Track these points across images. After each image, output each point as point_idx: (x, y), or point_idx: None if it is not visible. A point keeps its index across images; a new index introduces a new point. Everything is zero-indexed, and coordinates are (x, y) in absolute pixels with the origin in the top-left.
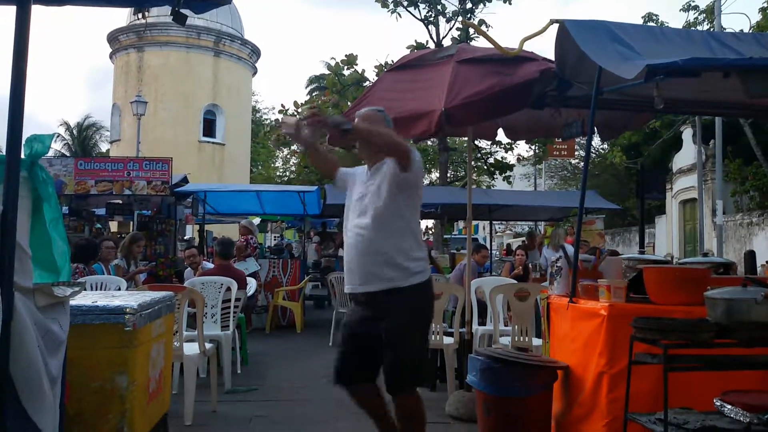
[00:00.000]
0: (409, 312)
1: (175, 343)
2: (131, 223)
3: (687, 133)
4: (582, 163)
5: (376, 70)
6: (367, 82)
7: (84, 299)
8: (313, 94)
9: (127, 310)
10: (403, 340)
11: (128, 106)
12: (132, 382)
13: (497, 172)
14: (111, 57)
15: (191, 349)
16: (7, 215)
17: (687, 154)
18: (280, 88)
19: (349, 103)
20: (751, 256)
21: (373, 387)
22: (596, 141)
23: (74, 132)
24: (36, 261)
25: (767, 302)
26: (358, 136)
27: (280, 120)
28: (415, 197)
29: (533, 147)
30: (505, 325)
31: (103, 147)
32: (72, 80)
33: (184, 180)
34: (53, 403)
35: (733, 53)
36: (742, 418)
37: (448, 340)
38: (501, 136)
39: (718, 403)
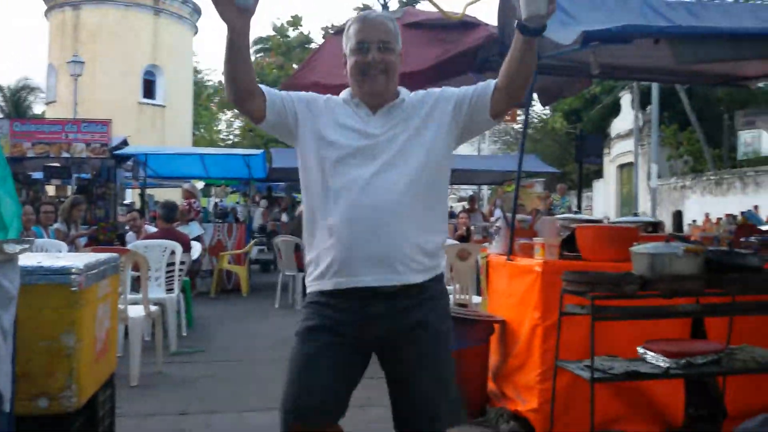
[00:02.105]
0: (447, 312)
1: (120, 306)
2: (69, 186)
3: (625, 99)
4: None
5: (323, 32)
6: (314, 44)
7: (29, 260)
8: (258, 56)
9: (73, 270)
10: (447, 353)
11: (65, 67)
12: (79, 341)
13: None
14: (46, 15)
15: (136, 311)
16: None
17: (625, 120)
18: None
19: (294, 66)
20: (678, 215)
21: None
22: (538, 107)
23: (7, 93)
24: None
25: (688, 256)
26: (534, 45)
27: None
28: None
29: None
30: (448, 285)
31: (38, 109)
32: (3, 39)
33: (124, 143)
34: (6, 357)
35: (664, 21)
36: (662, 364)
37: None
38: None
39: (641, 351)
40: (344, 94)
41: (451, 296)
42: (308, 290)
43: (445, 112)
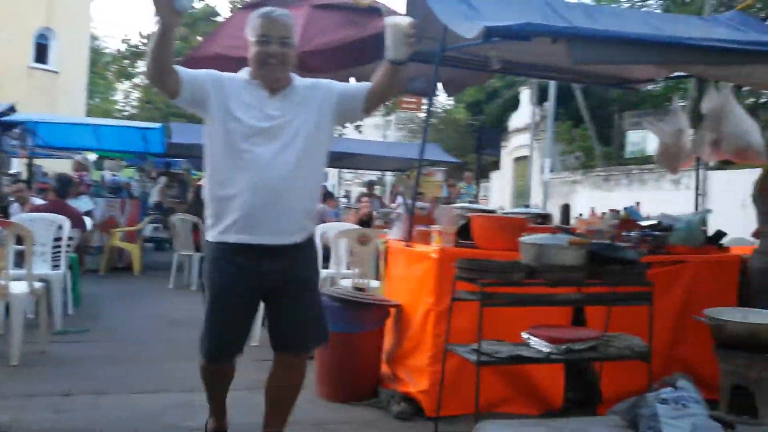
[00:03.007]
0: (316, 262)
1: (1, 281)
2: None
3: (525, 94)
4: None
5: (231, 6)
6: (219, 18)
7: None
8: None
9: None
10: (317, 292)
11: None
12: None
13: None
14: None
15: (19, 287)
16: None
17: (523, 114)
18: (123, 16)
19: (198, 38)
20: (566, 208)
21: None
22: (443, 97)
23: None
24: None
25: (572, 248)
26: (399, 73)
27: None
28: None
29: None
30: (348, 269)
31: None
32: None
33: (11, 109)
34: None
35: (563, 21)
36: (544, 349)
37: None
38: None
39: (525, 336)
40: (244, 74)
41: (350, 281)
42: (208, 239)
43: (330, 104)
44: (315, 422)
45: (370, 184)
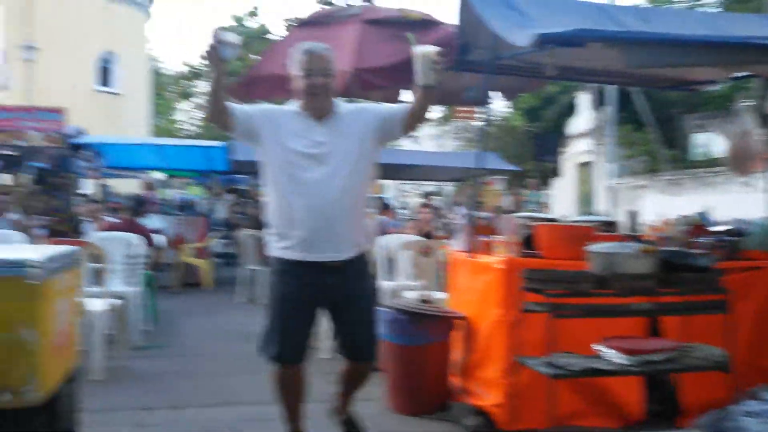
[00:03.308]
0: (370, 274)
1: (81, 299)
2: (25, 176)
3: (583, 99)
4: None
5: (286, 24)
6: (272, 35)
7: None
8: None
9: (32, 263)
10: (373, 301)
11: (16, 52)
12: (39, 336)
13: None
14: None
15: (97, 305)
16: None
17: (583, 119)
18: (180, 37)
19: (252, 57)
20: (633, 215)
21: (305, 367)
22: (499, 105)
23: None
24: None
25: (642, 256)
26: (433, 95)
27: (219, 32)
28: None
29: (439, 108)
30: (411, 281)
31: None
32: None
33: (80, 132)
34: None
35: (616, 25)
36: (620, 361)
37: None
38: (406, 96)
39: (598, 348)
40: (293, 106)
41: (414, 292)
42: (273, 255)
43: (372, 127)
44: None
45: (428, 195)
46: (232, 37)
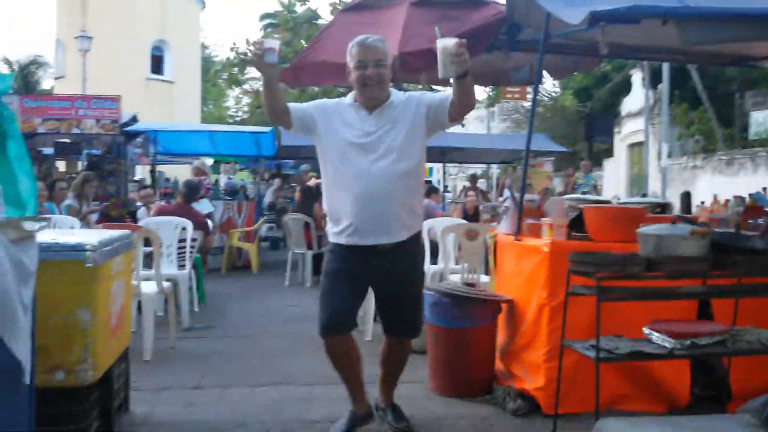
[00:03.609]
0: (421, 257)
1: (133, 282)
2: (79, 162)
3: (636, 77)
4: None
5: (331, 8)
6: (321, 20)
7: (44, 236)
8: (267, 30)
9: (88, 247)
10: (420, 284)
11: (72, 42)
12: (94, 317)
13: None
14: None
15: (149, 287)
16: None
17: (636, 98)
18: (231, 24)
19: (302, 42)
20: (686, 196)
21: (352, 337)
22: (549, 84)
23: (16, 69)
24: (3, 197)
25: (694, 238)
26: (469, 84)
27: (260, 40)
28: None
29: (486, 89)
30: (456, 264)
31: (47, 84)
32: (9, 13)
33: (134, 119)
34: (27, 332)
35: (674, 0)
36: (666, 344)
37: None
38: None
39: (646, 331)
40: (348, 99)
41: (459, 275)
42: (329, 238)
43: (421, 115)
44: (431, 416)
45: (473, 178)
46: (273, 43)
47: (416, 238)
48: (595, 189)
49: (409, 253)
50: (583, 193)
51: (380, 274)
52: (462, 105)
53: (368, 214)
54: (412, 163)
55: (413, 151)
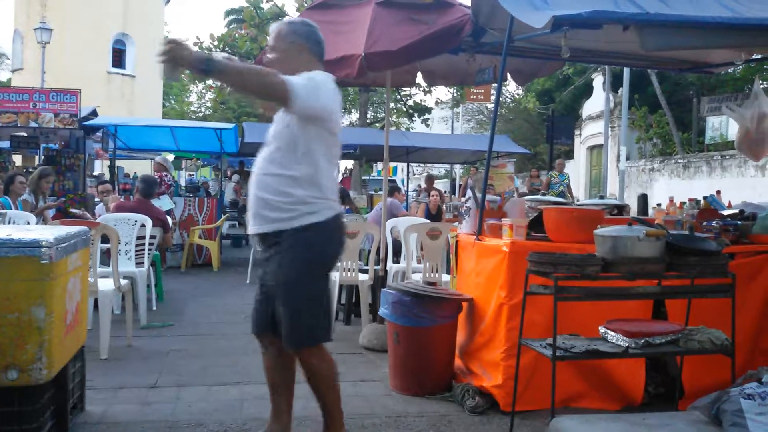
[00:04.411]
0: (299, 260)
1: (90, 279)
2: (36, 157)
3: (597, 81)
4: None
5: (297, 5)
6: (287, 18)
7: None
8: (230, 27)
9: (44, 243)
10: (296, 291)
11: (31, 33)
12: (49, 314)
13: (416, 115)
14: None
15: (106, 284)
16: None
17: (596, 101)
18: (195, 19)
19: (267, 38)
20: (643, 198)
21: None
22: (512, 86)
23: None
24: None
25: (649, 240)
26: (222, 79)
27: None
28: (323, 130)
29: (451, 91)
30: (418, 263)
31: (3, 76)
32: None
33: (93, 113)
34: None
35: (635, 7)
36: (621, 343)
37: (363, 276)
38: (419, 79)
39: (602, 330)
40: None
41: (420, 275)
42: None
43: None
44: (390, 415)
45: (429, 179)
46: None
47: (289, 235)
48: (569, 188)
49: (280, 251)
50: (560, 191)
51: (262, 269)
52: (256, 95)
53: (249, 202)
54: (281, 150)
55: (283, 135)
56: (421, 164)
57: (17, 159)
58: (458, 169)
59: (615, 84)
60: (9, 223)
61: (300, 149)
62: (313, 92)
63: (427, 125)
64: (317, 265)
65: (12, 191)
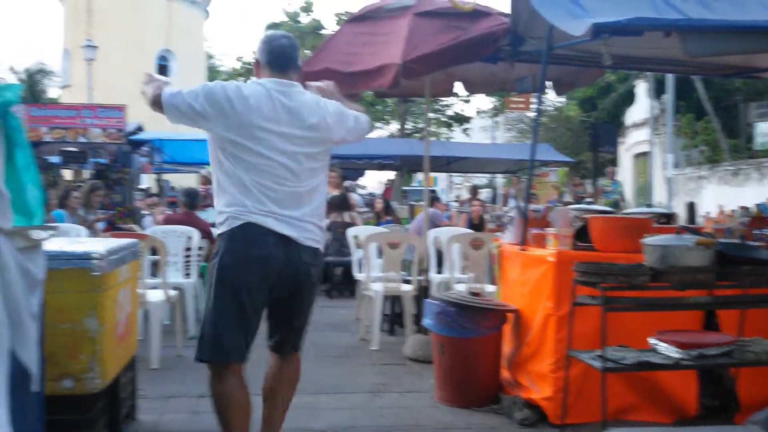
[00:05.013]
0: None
1: (140, 290)
2: (83, 171)
3: (641, 88)
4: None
5: (336, 18)
6: (325, 30)
7: (51, 245)
8: None
9: (95, 255)
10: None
11: (78, 50)
12: (101, 325)
13: (455, 124)
14: None
15: (155, 296)
16: None
17: (640, 109)
18: (236, 34)
19: (306, 52)
20: (691, 207)
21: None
22: (553, 95)
23: (23, 77)
24: (11, 205)
25: (699, 249)
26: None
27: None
28: (215, 146)
29: (492, 100)
30: (461, 273)
31: (53, 93)
32: (18, 23)
33: (139, 128)
34: (35, 340)
35: (676, 13)
36: (673, 354)
37: (406, 287)
38: (458, 88)
39: (652, 341)
40: None
41: (464, 285)
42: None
43: None
44: (437, 426)
45: (474, 189)
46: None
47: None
48: (622, 196)
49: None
50: (614, 199)
51: None
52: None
53: None
54: (215, 166)
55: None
56: (462, 174)
57: (67, 173)
58: (500, 179)
59: (658, 90)
60: (62, 236)
61: (212, 158)
62: (190, 97)
63: (467, 135)
64: (214, 275)
65: (67, 205)
